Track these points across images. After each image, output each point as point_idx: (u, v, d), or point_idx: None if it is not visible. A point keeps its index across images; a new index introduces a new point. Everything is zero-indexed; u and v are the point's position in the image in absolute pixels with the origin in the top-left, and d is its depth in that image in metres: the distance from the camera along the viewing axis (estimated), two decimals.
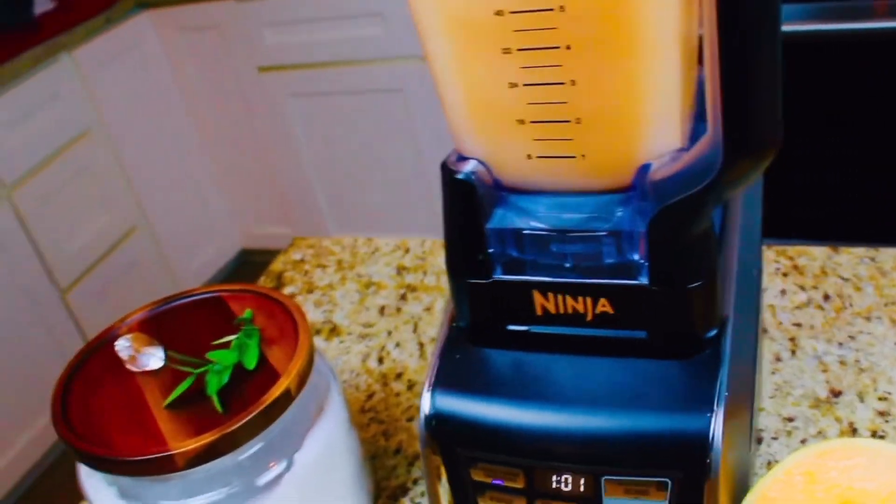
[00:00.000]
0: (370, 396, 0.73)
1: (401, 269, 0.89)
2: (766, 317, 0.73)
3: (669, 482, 0.46)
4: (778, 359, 0.68)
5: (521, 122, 0.44)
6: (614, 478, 0.47)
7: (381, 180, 2.33)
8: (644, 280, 0.46)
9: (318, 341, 0.80)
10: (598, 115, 0.43)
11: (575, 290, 0.48)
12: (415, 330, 0.80)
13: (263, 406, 0.51)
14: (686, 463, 0.46)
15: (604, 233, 0.46)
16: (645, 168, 0.44)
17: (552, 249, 0.47)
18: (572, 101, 0.43)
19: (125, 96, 2.27)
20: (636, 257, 0.46)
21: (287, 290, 0.89)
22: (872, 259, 0.77)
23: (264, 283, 0.91)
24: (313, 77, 2.24)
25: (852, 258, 0.78)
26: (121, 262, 2.26)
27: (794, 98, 1.61)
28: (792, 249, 0.80)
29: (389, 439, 0.69)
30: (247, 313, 0.58)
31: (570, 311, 0.48)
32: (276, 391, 0.51)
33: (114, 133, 2.24)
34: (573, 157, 0.45)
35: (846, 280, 0.75)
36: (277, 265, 0.94)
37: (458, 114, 0.46)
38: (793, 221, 1.71)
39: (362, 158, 2.32)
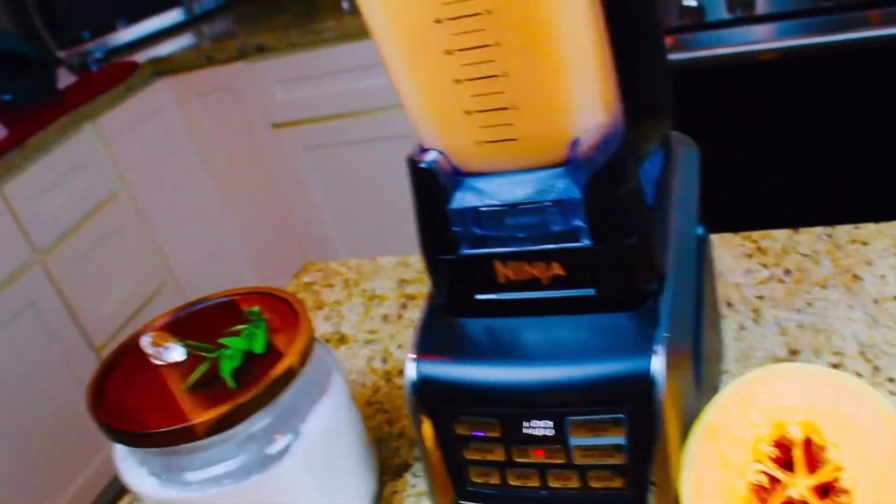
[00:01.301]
0: (376, 391, 0.80)
1: (402, 282, 0.96)
2: (732, 293, 0.79)
3: (625, 417, 0.53)
4: (742, 328, 0.75)
5: (468, 112, 0.52)
6: (578, 418, 0.54)
7: (397, 226, 2.42)
8: (587, 242, 0.53)
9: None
10: (529, 100, 0.50)
11: (530, 257, 0.55)
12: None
13: (270, 380, 0.58)
14: (635, 398, 0.52)
15: (549, 203, 0.53)
16: (576, 143, 0.51)
17: (507, 222, 0.55)
18: (507, 91, 0.50)
19: (147, 160, 2.38)
20: (578, 222, 0.53)
21: None
22: (829, 236, 0.84)
23: None
24: (325, 130, 2.34)
25: (811, 237, 0.84)
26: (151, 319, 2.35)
27: (784, 108, 1.69)
28: (756, 234, 0.87)
29: (393, 426, 0.76)
30: (255, 308, 0.66)
31: (527, 276, 0.55)
32: (280, 368, 0.59)
33: (139, 196, 2.35)
34: (514, 139, 0.52)
35: (805, 256, 0.82)
36: (290, 288, 1.02)
37: (415, 110, 0.54)
38: (760, 215, 1.81)
39: (378, 205, 2.41)
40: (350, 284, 0.99)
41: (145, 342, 0.63)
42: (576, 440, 0.55)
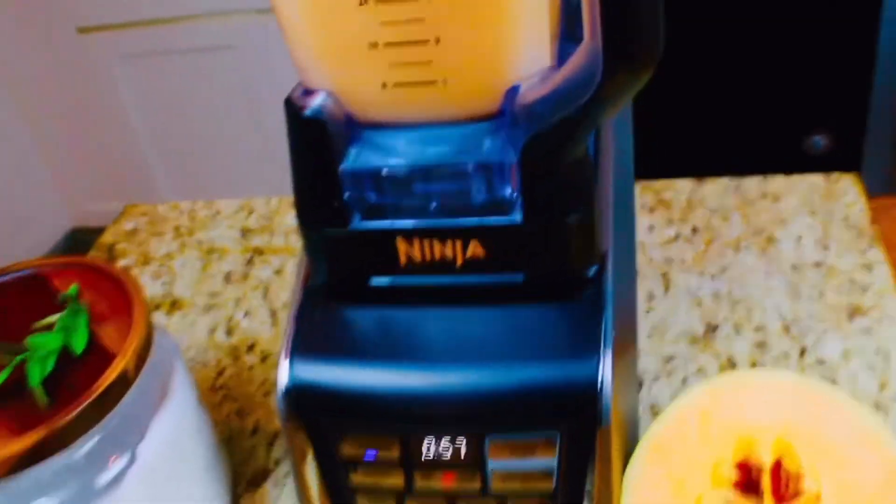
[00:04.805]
0: (220, 373, 0.67)
1: (245, 232, 0.82)
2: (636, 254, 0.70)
3: (558, 436, 0.42)
4: (651, 297, 0.66)
5: (374, 45, 0.39)
6: (499, 437, 0.43)
7: (220, 143, 2.23)
8: (517, 216, 0.41)
9: (159, 317, 0.73)
10: (457, 32, 0.38)
11: (442, 234, 0.43)
12: (265, 296, 0.73)
13: (97, 393, 0.44)
14: (575, 412, 0.42)
15: (471, 166, 0.41)
16: (513, 91, 0.39)
17: (415, 190, 0.42)
18: (429, 19, 0.38)
19: None
20: (508, 192, 0.41)
21: (120, 264, 0.81)
22: (737, 188, 0.75)
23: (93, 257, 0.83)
24: (139, 36, 2.11)
25: (717, 188, 0.76)
26: None
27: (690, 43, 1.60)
28: (658, 184, 0.78)
29: (245, 418, 0.62)
30: (72, 289, 0.51)
31: (437, 257, 0.43)
32: (110, 375, 0.45)
33: None
34: (433, 81, 0.39)
35: (713, 211, 0.73)
36: (108, 237, 0.86)
37: (301, 41, 0.40)
38: (657, 159, 1.72)
39: (199, 122, 2.21)
40: (183, 233, 0.84)
41: None
42: (495, 463, 0.44)
